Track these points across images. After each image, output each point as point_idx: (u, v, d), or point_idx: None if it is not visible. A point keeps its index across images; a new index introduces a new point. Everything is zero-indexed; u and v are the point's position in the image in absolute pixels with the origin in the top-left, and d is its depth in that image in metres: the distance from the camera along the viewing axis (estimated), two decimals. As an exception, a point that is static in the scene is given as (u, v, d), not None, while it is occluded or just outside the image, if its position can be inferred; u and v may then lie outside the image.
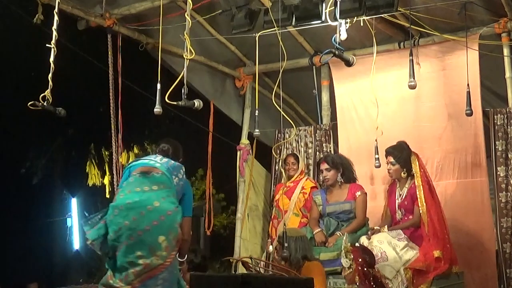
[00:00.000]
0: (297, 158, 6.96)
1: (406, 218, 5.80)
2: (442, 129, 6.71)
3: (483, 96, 6.72)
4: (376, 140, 6.16)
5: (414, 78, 5.11)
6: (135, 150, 11.16)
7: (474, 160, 6.48)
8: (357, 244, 5.40)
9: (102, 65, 6.46)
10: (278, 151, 7.61)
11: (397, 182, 5.94)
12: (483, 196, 6.40)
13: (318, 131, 7.48)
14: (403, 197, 5.82)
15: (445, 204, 6.12)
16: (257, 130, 5.74)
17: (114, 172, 6.44)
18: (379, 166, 6.15)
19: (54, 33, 4.69)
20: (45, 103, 4.54)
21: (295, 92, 7.99)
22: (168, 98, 4.52)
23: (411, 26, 5.91)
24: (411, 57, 5.14)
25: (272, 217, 7.00)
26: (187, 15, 4.77)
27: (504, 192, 6.26)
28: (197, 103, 4.71)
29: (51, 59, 4.65)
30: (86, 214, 9.72)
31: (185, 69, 4.65)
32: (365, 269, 4.97)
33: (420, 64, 6.67)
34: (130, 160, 11.42)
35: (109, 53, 6.45)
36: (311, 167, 7.40)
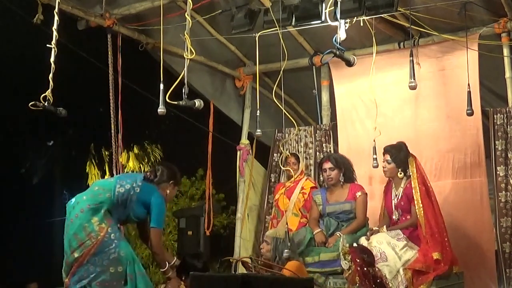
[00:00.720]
0: (297, 158, 6.97)
1: (403, 218, 5.79)
2: (441, 129, 6.71)
3: (483, 96, 6.73)
4: (374, 141, 6.16)
5: (414, 79, 5.12)
6: (135, 150, 11.14)
7: (473, 160, 6.49)
8: (354, 244, 5.39)
9: (102, 65, 6.46)
10: (280, 150, 7.61)
11: (392, 182, 5.93)
12: (482, 196, 6.41)
13: (318, 131, 7.48)
14: (399, 197, 5.81)
15: (444, 204, 6.12)
16: (258, 130, 5.74)
17: (114, 172, 6.44)
18: (377, 166, 6.16)
19: (54, 33, 4.69)
20: (46, 103, 4.55)
21: (295, 92, 7.99)
22: (168, 98, 4.53)
23: (411, 26, 5.91)
24: (411, 58, 5.15)
25: (272, 217, 7.00)
26: (187, 15, 4.77)
27: (503, 192, 6.26)
28: (198, 103, 4.71)
29: (52, 59, 4.65)
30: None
31: (185, 69, 4.65)
32: (365, 268, 4.96)
33: (420, 64, 6.67)
34: (130, 160, 11.45)
35: (109, 53, 6.45)
36: (311, 167, 7.41)
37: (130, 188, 4.59)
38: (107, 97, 6.43)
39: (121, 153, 6.60)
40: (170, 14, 6.34)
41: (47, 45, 4.67)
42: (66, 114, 4.73)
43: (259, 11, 5.52)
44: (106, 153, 10.69)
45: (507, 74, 6.42)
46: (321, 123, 7.59)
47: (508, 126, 6.33)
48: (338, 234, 5.87)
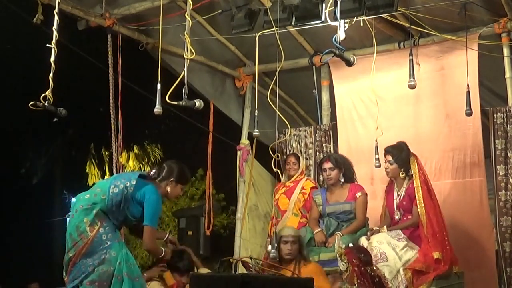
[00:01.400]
0: (298, 158, 6.97)
1: (405, 218, 5.79)
2: (440, 128, 6.72)
3: (483, 96, 6.73)
4: (376, 140, 6.16)
5: (414, 78, 5.12)
6: (135, 150, 11.18)
7: (473, 160, 6.49)
8: (350, 245, 5.38)
9: (102, 65, 6.46)
10: (277, 151, 7.60)
11: (394, 182, 5.93)
12: (482, 196, 6.41)
13: (318, 131, 7.48)
14: (401, 197, 5.81)
15: (443, 204, 6.12)
16: (256, 130, 5.74)
17: (114, 172, 6.43)
18: (379, 166, 6.15)
19: (54, 33, 4.68)
20: (46, 103, 4.54)
21: (295, 92, 7.99)
22: (168, 98, 4.53)
23: (411, 26, 5.92)
24: (411, 57, 5.15)
25: (272, 216, 7.00)
26: (187, 15, 4.77)
27: (503, 191, 6.26)
28: (198, 103, 4.71)
29: (52, 59, 4.65)
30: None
31: (185, 69, 4.65)
32: (362, 268, 4.94)
33: (419, 64, 6.68)
34: (130, 160, 11.46)
35: (109, 53, 6.44)
36: (311, 168, 7.41)
37: (123, 188, 4.53)
38: (107, 97, 6.43)
39: (121, 153, 6.60)
40: (170, 14, 6.34)
41: (47, 45, 4.67)
42: (66, 114, 4.73)
43: (259, 11, 5.52)
44: (106, 153, 10.72)
45: (507, 74, 6.43)
46: (321, 123, 7.59)
47: (508, 126, 6.34)
48: (338, 234, 5.87)
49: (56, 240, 12.53)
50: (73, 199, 4.80)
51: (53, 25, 4.75)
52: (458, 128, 6.58)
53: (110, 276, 4.40)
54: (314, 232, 5.96)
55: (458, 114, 6.31)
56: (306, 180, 6.87)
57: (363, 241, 5.60)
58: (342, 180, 6.15)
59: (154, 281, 4.96)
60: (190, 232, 7.29)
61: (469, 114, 5.70)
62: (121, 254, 4.47)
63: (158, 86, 4.56)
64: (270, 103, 6.24)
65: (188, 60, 4.72)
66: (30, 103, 4.49)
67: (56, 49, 4.67)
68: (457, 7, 6.08)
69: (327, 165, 6.12)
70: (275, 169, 6.67)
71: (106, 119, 6.43)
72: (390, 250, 5.43)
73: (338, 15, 4.93)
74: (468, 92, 5.72)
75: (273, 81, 6.08)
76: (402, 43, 6.89)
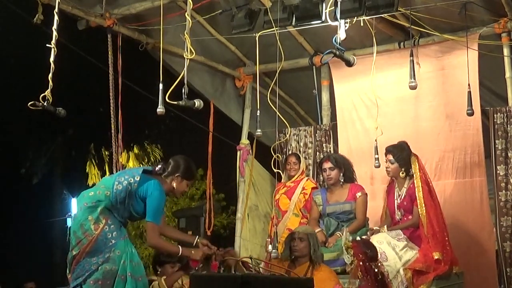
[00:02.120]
0: (298, 158, 6.96)
1: (405, 218, 5.79)
2: (441, 128, 6.72)
3: (483, 96, 6.73)
4: (376, 140, 6.16)
5: (414, 79, 5.12)
6: (135, 150, 11.17)
7: (473, 160, 6.49)
8: (358, 238, 5.36)
9: (102, 65, 6.46)
10: (277, 151, 7.61)
11: (395, 182, 5.93)
12: (482, 196, 6.41)
13: (318, 131, 7.47)
14: (402, 197, 5.81)
15: (444, 204, 6.12)
16: (258, 130, 5.74)
17: (114, 172, 6.42)
18: (378, 166, 6.15)
19: (54, 33, 4.68)
20: (45, 103, 4.53)
21: (295, 92, 7.99)
22: (168, 98, 4.52)
23: (411, 26, 5.91)
24: (411, 57, 5.15)
25: (272, 216, 6.99)
26: (187, 15, 4.76)
27: (503, 191, 6.26)
28: (198, 103, 4.70)
29: (52, 59, 4.64)
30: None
31: (185, 69, 4.64)
32: (367, 263, 4.92)
33: (420, 64, 6.66)
34: (130, 160, 11.45)
35: (109, 53, 6.43)
36: (310, 167, 7.40)
37: (127, 184, 4.47)
38: (107, 97, 6.42)
39: (121, 153, 6.59)
40: (170, 14, 6.33)
41: (47, 45, 4.66)
42: (66, 114, 4.72)
43: (259, 11, 5.52)
44: (106, 153, 10.72)
45: (507, 74, 6.43)
46: (321, 123, 7.59)
47: (508, 126, 6.33)
48: (338, 234, 5.87)
49: (56, 240, 12.54)
50: (73, 199, 4.78)
51: (53, 25, 4.75)
52: (459, 128, 6.58)
53: (114, 275, 4.37)
54: (314, 232, 5.96)
55: (459, 114, 6.31)
56: (306, 180, 6.87)
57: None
58: (342, 180, 6.15)
59: (154, 282, 4.97)
60: (190, 232, 7.27)
61: (471, 114, 5.70)
62: (126, 252, 4.43)
63: (161, 86, 4.54)
64: (270, 103, 6.22)
65: (188, 60, 4.71)
66: (30, 103, 4.48)
67: (56, 49, 4.66)
68: (457, 7, 6.07)
69: (327, 165, 6.12)
70: (275, 170, 6.69)
71: (106, 119, 6.42)
72: (390, 250, 5.43)
73: (338, 15, 4.92)
74: (469, 92, 5.71)
75: (274, 81, 6.07)
76: (402, 43, 6.88)
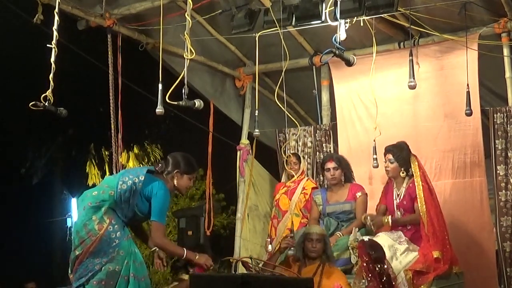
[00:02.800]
0: (298, 158, 6.97)
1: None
2: (440, 128, 6.72)
3: (483, 96, 6.73)
4: (374, 140, 6.17)
5: (414, 79, 5.12)
6: (135, 150, 11.14)
7: (473, 160, 6.49)
8: (365, 239, 5.36)
9: (102, 65, 6.46)
10: (277, 151, 7.62)
11: (392, 182, 5.92)
12: (482, 196, 6.41)
13: (318, 131, 7.48)
14: (402, 196, 5.80)
15: (444, 204, 6.12)
16: (257, 130, 5.74)
17: (114, 172, 6.42)
18: (377, 166, 6.16)
19: (54, 33, 4.68)
20: (46, 103, 4.53)
21: (295, 92, 7.99)
22: (168, 98, 4.52)
23: (411, 26, 5.92)
24: (411, 57, 5.16)
25: (272, 216, 7.00)
26: (187, 15, 4.77)
27: (503, 191, 6.27)
28: (198, 103, 4.70)
29: (52, 59, 4.64)
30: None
31: (185, 69, 4.65)
32: (371, 265, 4.92)
33: (419, 64, 6.67)
34: (130, 160, 11.43)
35: (109, 53, 6.43)
36: (309, 166, 7.40)
37: (131, 184, 4.47)
38: (107, 97, 6.42)
39: (121, 153, 6.59)
40: (170, 14, 6.34)
41: (47, 45, 4.66)
42: (67, 114, 4.72)
43: (259, 11, 5.52)
44: (106, 153, 10.68)
45: (507, 74, 6.43)
46: (321, 123, 7.59)
47: (508, 125, 6.34)
48: (338, 234, 5.87)
49: (56, 240, 12.53)
50: (73, 199, 4.77)
51: (53, 25, 4.75)
52: (458, 128, 6.58)
53: (117, 275, 4.37)
54: (314, 232, 5.96)
55: (458, 114, 6.31)
56: (307, 180, 6.88)
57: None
58: (343, 180, 6.16)
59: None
60: (190, 232, 7.26)
61: (469, 114, 5.71)
62: (129, 253, 4.44)
63: (160, 86, 4.55)
64: (278, 103, 6.23)
65: (188, 60, 4.72)
66: (31, 103, 4.48)
67: (56, 49, 4.66)
68: (457, 7, 6.07)
69: (331, 164, 6.12)
70: (289, 170, 6.73)
71: (106, 119, 6.42)
72: (391, 255, 5.41)
73: (338, 15, 4.93)
74: (468, 92, 5.72)
75: (278, 82, 6.07)
76: (402, 43, 6.89)
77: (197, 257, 4.64)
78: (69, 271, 4.53)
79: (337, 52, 5.03)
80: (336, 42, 5.05)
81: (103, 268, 4.35)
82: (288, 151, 7.41)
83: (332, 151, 7.24)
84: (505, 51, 6.44)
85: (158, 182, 4.54)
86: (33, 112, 4.57)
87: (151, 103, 4.67)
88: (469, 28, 6.22)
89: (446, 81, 6.73)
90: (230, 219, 10.33)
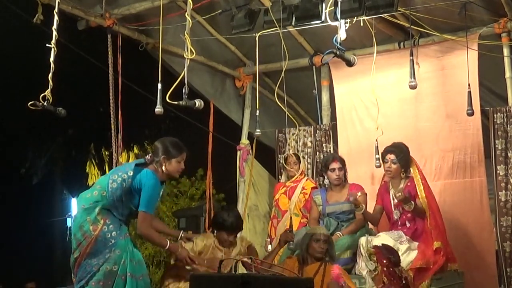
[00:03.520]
0: (298, 158, 6.97)
1: (404, 217, 5.77)
2: (440, 128, 6.72)
3: (483, 96, 6.74)
4: (376, 140, 6.16)
5: (414, 78, 5.12)
6: (135, 150, 11.14)
7: (473, 160, 6.50)
8: (380, 244, 5.35)
9: (102, 65, 6.46)
10: (277, 151, 7.62)
11: (388, 183, 5.91)
12: (482, 196, 6.42)
13: (318, 131, 7.48)
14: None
15: (443, 204, 6.13)
16: (258, 130, 5.74)
17: (114, 172, 6.42)
18: (379, 166, 6.15)
19: (54, 33, 4.68)
20: (45, 103, 4.54)
21: (295, 92, 7.99)
22: (169, 98, 4.53)
23: (411, 26, 5.92)
24: (411, 57, 5.16)
25: (272, 216, 7.00)
26: (187, 15, 4.77)
27: (503, 191, 6.27)
28: (198, 103, 4.71)
29: (51, 59, 4.65)
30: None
31: (185, 69, 4.65)
32: (391, 268, 4.91)
33: (419, 64, 6.67)
34: (130, 160, 11.42)
35: (109, 53, 6.44)
36: (309, 166, 7.40)
37: (121, 181, 4.46)
38: (107, 97, 6.43)
39: (121, 153, 6.59)
40: (170, 14, 6.34)
41: (47, 45, 4.67)
42: (66, 114, 4.72)
43: (259, 11, 5.52)
44: (106, 153, 10.68)
45: (507, 74, 6.43)
46: (321, 123, 7.59)
47: (508, 125, 6.34)
48: (338, 234, 5.87)
49: (56, 240, 12.53)
50: (73, 199, 4.77)
51: (53, 25, 4.75)
52: (458, 128, 6.58)
53: (114, 275, 4.37)
54: (314, 232, 5.96)
55: (458, 114, 6.32)
56: (306, 180, 6.87)
57: (362, 241, 5.59)
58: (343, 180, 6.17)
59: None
60: (190, 232, 7.28)
61: (471, 114, 5.71)
62: (126, 252, 4.43)
63: (159, 86, 4.55)
64: (279, 103, 6.23)
65: (188, 60, 4.72)
66: (30, 103, 4.49)
67: (56, 49, 4.67)
68: (457, 7, 6.08)
69: (336, 164, 6.11)
70: (289, 169, 6.72)
71: (106, 119, 6.42)
72: None
73: (338, 15, 4.93)
74: (469, 92, 5.73)
75: (278, 82, 6.06)
76: (402, 43, 6.89)
77: (179, 250, 4.68)
78: (72, 275, 4.54)
79: (338, 52, 5.03)
80: (337, 42, 5.04)
81: (100, 268, 4.35)
82: (288, 151, 7.41)
83: (332, 151, 7.23)
84: (505, 51, 6.45)
85: (145, 171, 4.50)
86: (33, 112, 4.57)
87: (151, 103, 4.67)
88: (469, 28, 6.22)
89: (446, 81, 6.73)
90: (230, 219, 10.33)
